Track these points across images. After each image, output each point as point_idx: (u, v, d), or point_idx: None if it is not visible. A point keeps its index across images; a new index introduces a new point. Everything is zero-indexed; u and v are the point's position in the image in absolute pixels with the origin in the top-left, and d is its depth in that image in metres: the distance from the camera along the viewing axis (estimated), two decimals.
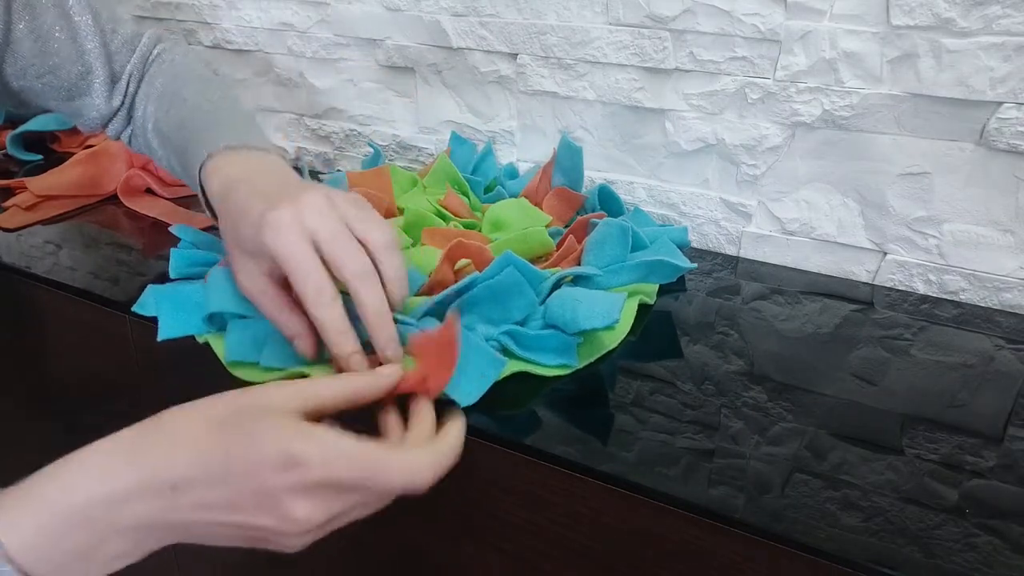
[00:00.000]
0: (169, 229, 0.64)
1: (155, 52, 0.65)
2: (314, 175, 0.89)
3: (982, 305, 0.64)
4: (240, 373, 0.50)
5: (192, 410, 0.36)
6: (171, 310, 0.53)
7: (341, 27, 0.87)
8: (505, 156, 0.83)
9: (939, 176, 0.63)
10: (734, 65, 0.67)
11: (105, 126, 0.65)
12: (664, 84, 0.71)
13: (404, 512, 0.55)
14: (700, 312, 0.61)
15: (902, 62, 0.60)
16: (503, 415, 0.47)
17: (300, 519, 0.34)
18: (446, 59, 0.82)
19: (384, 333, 0.44)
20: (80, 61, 0.61)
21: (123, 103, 0.64)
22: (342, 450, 0.34)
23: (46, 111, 0.65)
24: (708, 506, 0.40)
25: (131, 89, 0.64)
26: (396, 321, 0.45)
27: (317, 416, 0.37)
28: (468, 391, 0.46)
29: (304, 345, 0.47)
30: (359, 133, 0.92)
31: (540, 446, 0.45)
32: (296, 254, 0.42)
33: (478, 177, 0.78)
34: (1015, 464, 0.44)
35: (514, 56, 0.77)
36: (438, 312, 0.52)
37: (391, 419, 0.42)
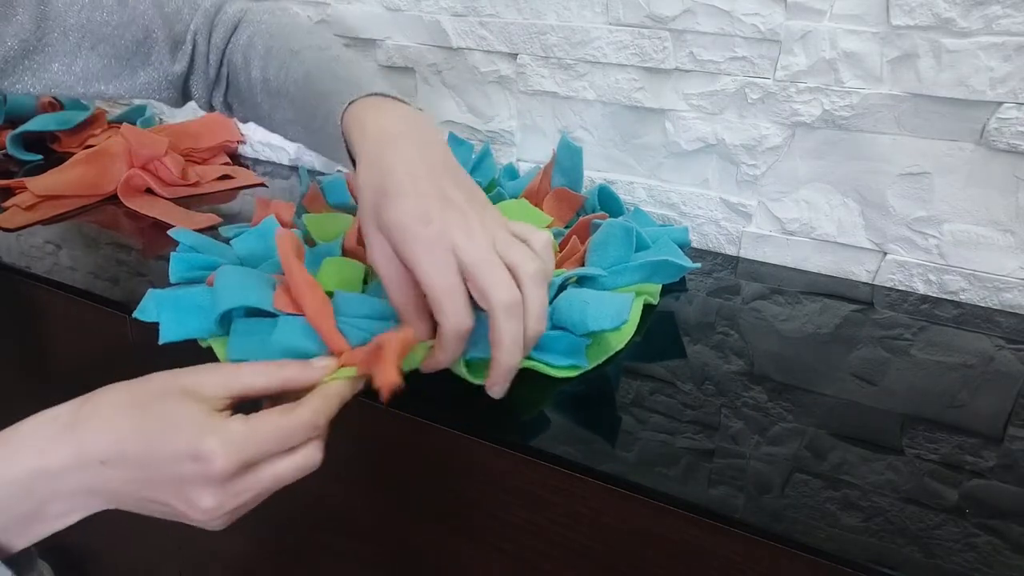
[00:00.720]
0: (168, 232, 0.64)
1: (231, 11, 0.59)
2: (313, 175, 0.89)
3: (982, 305, 0.64)
4: None
5: (122, 391, 0.38)
6: (172, 313, 0.52)
7: (341, 27, 0.87)
8: (505, 156, 0.83)
9: (939, 176, 0.63)
10: (734, 65, 0.67)
11: (184, 93, 0.61)
12: (664, 84, 0.71)
13: (404, 512, 0.55)
14: (700, 312, 0.61)
15: (902, 62, 0.60)
16: (503, 415, 0.47)
17: (207, 508, 0.36)
18: (446, 59, 0.82)
19: (509, 367, 0.43)
20: (134, 24, 0.57)
21: (191, 64, 0.59)
22: (243, 437, 0.36)
23: (121, 98, 0.60)
24: (708, 506, 0.40)
25: (200, 48, 0.59)
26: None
27: (242, 399, 0.39)
28: None
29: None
30: None
31: (540, 446, 0.44)
32: (436, 274, 0.41)
33: (476, 179, 0.77)
34: (1015, 464, 0.44)
35: (514, 56, 0.77)
36: None
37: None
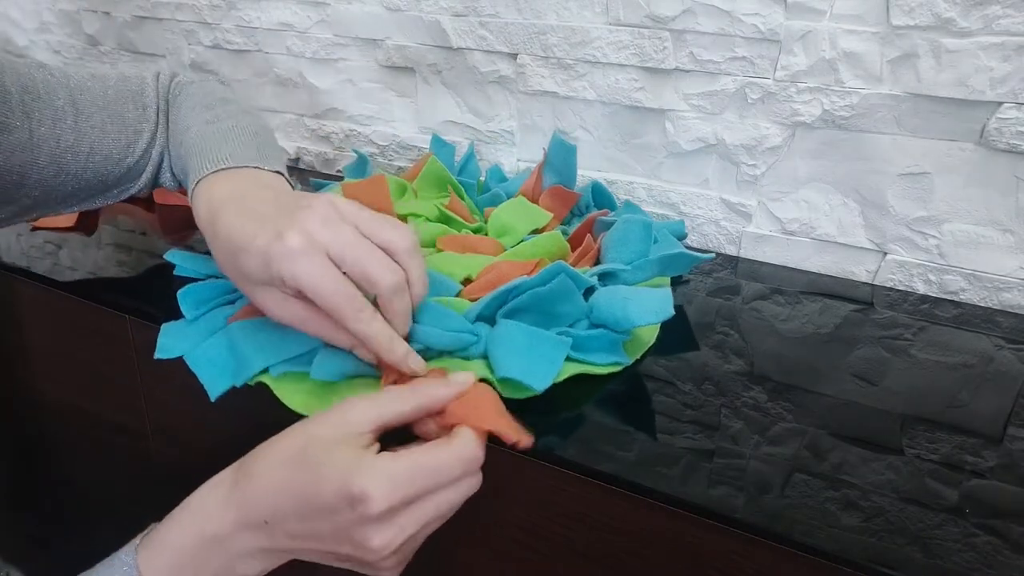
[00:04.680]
0: (165, 256, 0.61)
1: (162, 106, 0.61)
2: (305, 181, 0.89)
3: (982, 305, 0.64)
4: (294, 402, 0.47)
5: (276, 447, 0.39)
6: (207, 366, 0.49)
7: (341, 27, 0.87)
8: (505, 156, 0.83)
9: (939, 176, 0.63)
10: (734, 65, 0.67)
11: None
12: (664, 84, 0.71)
13: None
14: (700, 312, 0.61)
15: (902, 62, 0.60)
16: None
17: (376, 548, 0.36)
18: (446, 59, 0.82)
19: (404, 335, 0.45)
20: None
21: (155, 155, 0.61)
22: (398, 473, 0.36)
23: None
24: (708, 506, 0.40)
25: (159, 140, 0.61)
26: (454, 330, 0.47)
27: (388, 427, 0.40)
28: (542, 376, 0.46)
29: (365, 352, 0.46)
30: (359, 133, 0.92)
31: (540, 446, 0.44)
32: (320, 280, 0.40)
33: (463, 179, 0.77)
34: (1015, 464, 0.44)
35: (514, 56, 0.77)
36: (487, 316, 0.51)
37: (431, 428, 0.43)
